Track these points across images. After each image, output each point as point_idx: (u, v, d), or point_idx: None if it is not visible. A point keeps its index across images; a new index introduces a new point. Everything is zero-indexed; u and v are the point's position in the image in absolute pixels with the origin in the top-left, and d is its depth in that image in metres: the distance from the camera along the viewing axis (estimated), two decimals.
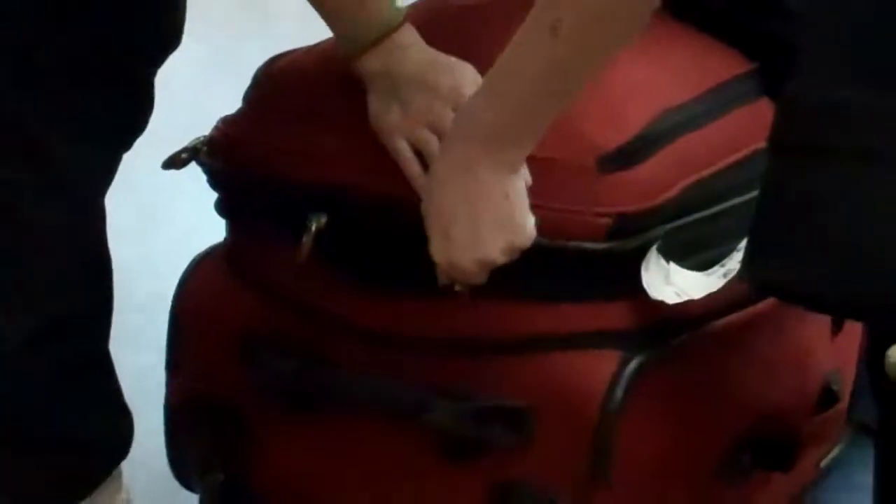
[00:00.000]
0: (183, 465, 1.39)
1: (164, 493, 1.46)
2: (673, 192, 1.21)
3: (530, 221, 1.16)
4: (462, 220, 1.16)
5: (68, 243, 1.31)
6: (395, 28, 1.24)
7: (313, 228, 1.22)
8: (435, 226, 1.17)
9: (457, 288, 1.20)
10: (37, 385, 1.32)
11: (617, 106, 1.23)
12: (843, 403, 1.41)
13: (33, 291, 1.30)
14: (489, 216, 1.15)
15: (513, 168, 1.18)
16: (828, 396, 1.36)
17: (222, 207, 1.34)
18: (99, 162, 1.31)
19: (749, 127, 1.28)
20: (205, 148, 1.31)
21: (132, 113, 1.32)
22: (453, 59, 1.24)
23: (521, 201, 1.17)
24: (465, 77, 1.22)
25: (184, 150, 1.31)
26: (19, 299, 1.29)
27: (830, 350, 1.39)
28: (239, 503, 1.36)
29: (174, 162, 1.31)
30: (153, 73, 1.33)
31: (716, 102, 1.30)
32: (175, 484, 1.41)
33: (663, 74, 1.29)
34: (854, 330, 1.41)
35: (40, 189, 1.28)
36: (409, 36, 1.25)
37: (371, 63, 1.24)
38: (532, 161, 1.18)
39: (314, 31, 1.30)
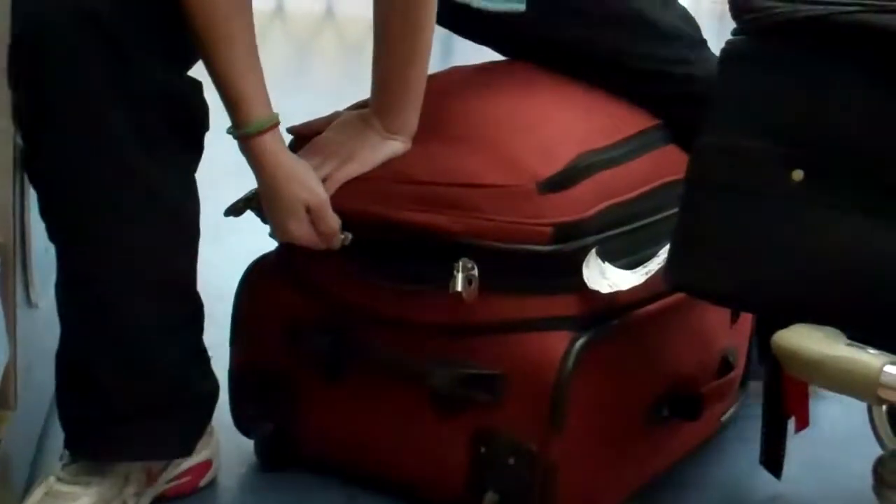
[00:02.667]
0: (242, 417, 1.51)
1: (227, 439, 1.51)
2: (596, 210, 1.35)
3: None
4: None
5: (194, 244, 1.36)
6: (257, 133, 1.31)
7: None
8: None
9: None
10: (177, 359, 1.35)
11: (549, 145, 1.37)
12: (738, 371, 1.56)
13: (183, 285, 1.36)
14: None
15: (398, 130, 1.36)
16: (725, 366, 1.52)
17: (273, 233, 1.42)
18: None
19: (658, 166, 1.44)
20: (255, 198, 1.40)
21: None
22: (302, 169, 1.33)
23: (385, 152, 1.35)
24: (307, 186, 1.33)
25: (240, 200, 1.42)
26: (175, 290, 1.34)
27: (728, 332, 1.54)
28: (285, 446, 1.48)
29: (234, 210, 1.43)
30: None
31: (629, 148, 1.42)
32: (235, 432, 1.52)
33: (583, 124, 1.42)
34: (747, 318, 1.56)
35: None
36: (271, 144, 1.31)
37: (245, 154, 1.33)
38: (487, 188, 1.33)
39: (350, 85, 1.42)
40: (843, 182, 1.13)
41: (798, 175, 1.14)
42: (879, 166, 1.11)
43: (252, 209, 1.42)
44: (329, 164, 1.38)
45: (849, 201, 1.12)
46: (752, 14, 1.18)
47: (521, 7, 1.45)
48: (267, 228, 1.42)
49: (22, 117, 1.25)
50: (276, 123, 1.33)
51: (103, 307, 1.29)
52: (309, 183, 1.35)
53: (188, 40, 1.29)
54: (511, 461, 1.32)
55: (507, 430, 1.32)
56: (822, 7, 1.14)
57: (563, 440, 1.31)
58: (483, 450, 1.34)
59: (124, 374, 1.32)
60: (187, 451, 1.41)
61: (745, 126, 1.19)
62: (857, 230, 1.12)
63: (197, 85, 1.31)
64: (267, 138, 1.31)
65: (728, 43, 1.23)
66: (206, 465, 1.48)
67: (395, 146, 1.40)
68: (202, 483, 1.47)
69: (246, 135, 1.31)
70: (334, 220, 1.35)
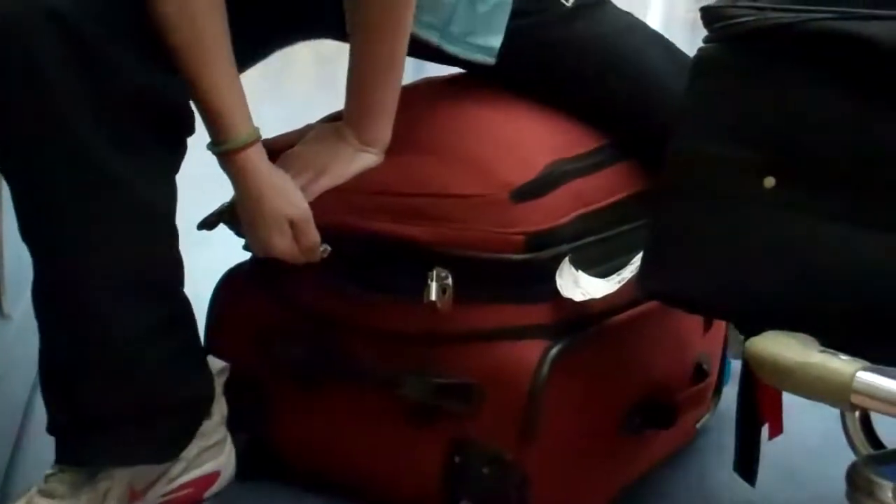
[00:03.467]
0: None
1: None
2: (569, 218, 1.35)
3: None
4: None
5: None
6: (241, 148, 1.30)
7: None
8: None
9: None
10: (155, 362, 1.32)
11: (522, 154, 1.38)
12: (712, 379, 1.57)
13: (161, 285, 1.33)
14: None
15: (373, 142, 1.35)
16: (699, 373, 1.53)
17: (248, 246, 1.43)
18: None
19: (625, 177, 1.45)
20: (228, 211, 1.40)
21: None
22: (286, 184, 1.33)
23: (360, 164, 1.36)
24: (291, 201, 1.33)
25: (213, 214, 1.42)
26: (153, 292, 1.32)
27: (702, 340, 1.54)
28: (259, 455, 1.47)
29: (208, 224, 1.42)
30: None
31: (597, 159, 1.43)
32: None
33: (552, 134, 1.42)
34: (721, 325, 1.57)
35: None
36: (254, 158, 1.31)
37: (226, 170, 1.32)
38: (460, 197, 1.33)
39: (325, 96, 1.42)
40: (815, 188, 1.13)
41: (770, 182, 1.15)
42: (850, 172, 1.12)
43: (225, 223, 1.42)
44: (302, 178, 1.38)
45: (821, 207, 1.12)
46: (723, 22, 1.19)
47: (491, 61, 1.45)
48: (241, 240, 1.42)
49: None
50: (259, 138, 1.32)
51: (75, 310, 1.28)
52: (293, 197, 1.34)
53: None
54: (486, 470, 1.32)
55: (481, 439, 1.33)
56: (791, 15, 1.15)
57: (538, 449, 1.32)
58: (457, 459, 1.34)
59: (99, 377, 1.30)
60: (166, 457, 1.38)
61: (716, 133, 1.19)
62: (830, 236, 1.12)
63: (179, 86, 1.29)
64: (251, 153, 1.31)
65: (700, 50, 1.23)
66: (212, 477, 1.45)
67: (369, 158, 1.39)
68: (207, 495, 1.44)
69: (228, 150, 1.31)
70: (316, 234, 1.35)
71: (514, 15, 1.44)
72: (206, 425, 1.41)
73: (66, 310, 1.29)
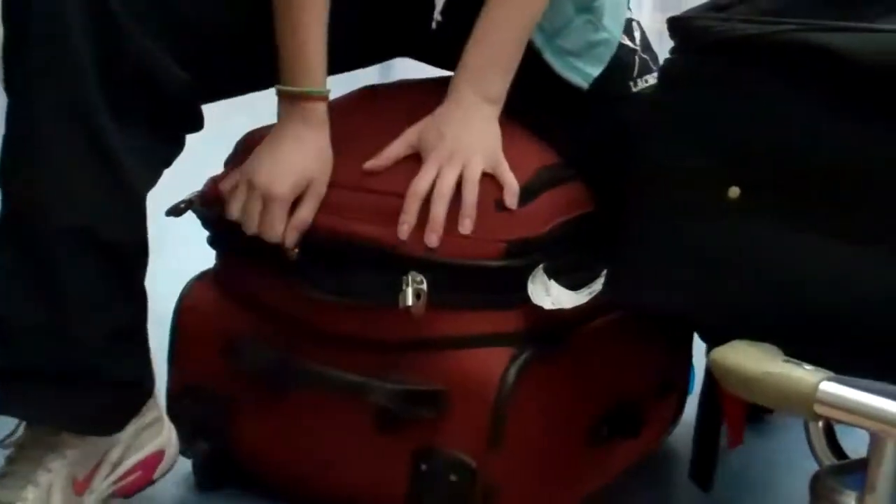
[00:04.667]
0: (179, 436, 1.46)
1: None
2: (550, 227, 1.36)
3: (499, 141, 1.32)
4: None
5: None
6: (305, 97, 1.34)
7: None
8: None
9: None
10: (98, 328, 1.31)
11: (508, 161, 1.36)
12: (678, 389, 1.57)
13: (119, 261, 1.31)
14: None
15: (495, 98, 1.34)
16: (665, 384, 1.54)
17: (213, 242, 1.47)
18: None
19: (588, 192, 1.42)
20: (198, 199, 1.43)
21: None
22: (319, 150, 1.34)
23: (496, 125, 1.35)
24: (312, 168, 1.34)
25: (182, 202, 1.43)
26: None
27: (668, 350, 1.54)
28: (222, 464, 1.47)
29: (176, 210, 1.43)
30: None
31: (567, 171, 1.42)
32: None
33: (532, 145, 1.42)
34: (688, 335, 1.54)
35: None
36: (312, 112, 1.34)
37: (282, 111, 1.36)
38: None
39: None
40: (780, 198, 1.14)
41: (734, 192, 1.15)
42: (815, 182, 1.13)
43: (194, 211, 1.41)
44: (454, 164, 1.34)
45: (786, 217, 1.13)
46: (689, 33, 1.20)
47: (585, 86, 1.43)
48: (205, 247, 1.41)
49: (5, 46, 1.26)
50: (324, 97, 1.35)
51: (31, 253, 1.27)
52: (328, 168, 1.35)
53: (207, 50, 1.32)
54: (452, 478, 1.32)
55: (448, 447, 1.32)
56: (757, 26, 1.16)
57: (504, 458, 1.32)
58: (424, 467, 1.34)
59: (35, 330, 1.28)
60: (103, 431, 1.36)
61: (682, 143, 1.20)
62: (793, 246, 1.13)
63: (186, 84, 1.31)
64: (315, 107, 1.34)
65: (667, 61, 1.24)
66: (157, 456, 1.44)
67: (495, 114, 1.37)
68: (156, 476, 1.44)
69: (291, 93, 1.34)
70: (311, 215, 1.34)
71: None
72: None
73: (22, 252, 1.27)
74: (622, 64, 1.43)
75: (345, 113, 1.42)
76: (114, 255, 1.29)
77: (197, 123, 1.36)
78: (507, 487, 1.32)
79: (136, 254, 1.33)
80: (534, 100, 1.42)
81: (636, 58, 1.44)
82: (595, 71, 1.43)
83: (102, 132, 1.26)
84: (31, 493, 1.31)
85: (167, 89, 1.30)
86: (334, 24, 1.36)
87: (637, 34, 1.47)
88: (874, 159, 1.11)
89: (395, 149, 1.36)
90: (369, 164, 1.36)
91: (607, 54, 1.43)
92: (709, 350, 1.27)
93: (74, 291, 1.28)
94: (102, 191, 1.27)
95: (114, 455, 1.39)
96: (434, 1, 1.43)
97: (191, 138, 1.37)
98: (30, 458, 1.33)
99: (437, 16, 1.43)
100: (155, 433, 1.43)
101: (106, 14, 1.24)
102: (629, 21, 1.48)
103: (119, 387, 1.35)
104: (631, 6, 1.49)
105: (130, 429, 1.39)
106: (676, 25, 1.21)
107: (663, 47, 1.27)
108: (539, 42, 1.42)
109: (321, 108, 1.35)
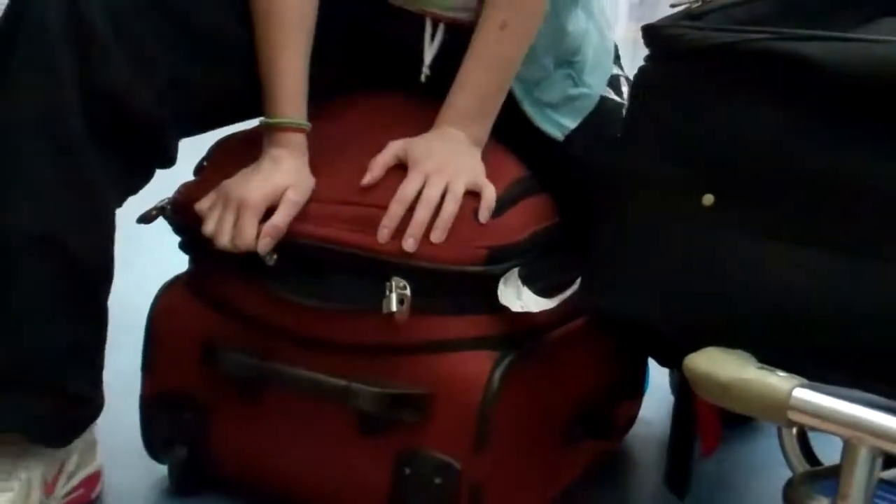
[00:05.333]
0: (154, 442, 1.50)
1: (138, 465, 1.52)
2: (526, 234, 1.38)
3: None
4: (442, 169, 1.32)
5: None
6: (283, 128, 1.37)
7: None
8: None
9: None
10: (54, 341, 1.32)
11: (488, 170, 1.39)
12: (636, 391, 1.59)
13: (79, 275, 1.33)
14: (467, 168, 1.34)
15: (478, 140, 1.39)
16: (627, 384, 1.56)
17: (185, 247, 1.48)
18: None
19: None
20: (170, 206, 1.44)
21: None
22: (299, 174, 1.36)
23: (479, 159, 1.38)
24: (303, 187, 1.36)
25: (153, 208, 1.44)
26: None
27: (627, 351, 1.54)
28: (199, 469, 1.47)
29: (147, 217, 1.43)
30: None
31: (537, 182, 1.44)
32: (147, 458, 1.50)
33: (506, 157, 1.44)
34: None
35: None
36: (295, 142, 1.37)
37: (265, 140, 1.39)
38: None
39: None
40: (753, 206, 1.14)
41: (708, 199, 1.15)
42: (789, 190, 1.13)
43: (165, 218, 1.42)
44: (441, 177, 1.36)
45: (758, 225, 1.13)
46: (663, 41, 1.20)
47: (560, 138, 1.46)
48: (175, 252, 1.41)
49: None
50: (303, 129, 1.38)
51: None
52: (305, 184, 1.37)
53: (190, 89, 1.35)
54: (437, 480, 1.32)
55: (432, 449, 1.33)
56: (731, 35, 1.16)
57: (488, 459, 1.32)
58: (407, 471, 1.34)
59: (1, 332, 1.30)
60: (52, 441, 1.38)
61: (655, 151, 1.19)
62: (767, 254, 1.13)
63: (163, 120, 1.34)
64: (292, 137, 1.37)
65: (640, 69, 1.24)
66: (96, 476, 1.47)
67: (478, 155, 1.40)
68: (93, 496, 1.46)
69: (269, 125, 1.37)
70: (286, 223, 1.35)
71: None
72: None
73: None
74: (608, 119, 1.46)
75: (324, 122, 1.43)
76: (78, 268, 1.31)
77: (167, 160, 1.38)
78: (492, 489, 1.33)
79: (100, 270, 1.34)
80: (513, 146, 1.46)
81: (624, 111, 1.44)
82: (572, 123, 1.46)
83: (78, 149, 1.28)
84: (16, 485, 1.34)
85: (142, 122, 1.33)
86: (323, 76, 1.39)
87: (625, 89, 1.50)
88: (848, 168, 1.11)
89: (384, 158, 1.38)
90: (367, 181, 1.37)
91: (586, 108, 1.47)
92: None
93: (34, 300, 1.29)
94: (72, 202, 1.29)
95: (70, 466, 1.42)
96: (423, 56, 1.46)
97: None
98: (7, 453, 1.36)
99: (425, 70, 1.46)
100: (96, 453, 1.46)
101: (88, 36, 1.27)
102: (616, 77, 1.51)
103: (73, 399, 1.36)
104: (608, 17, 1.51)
105: (80, 444, 1.42)
106: (651, 34, 1.21)
107: (637, 56, 1.27)
108: (518, 93, 1.45)
109: (300, 139, 1.39)
